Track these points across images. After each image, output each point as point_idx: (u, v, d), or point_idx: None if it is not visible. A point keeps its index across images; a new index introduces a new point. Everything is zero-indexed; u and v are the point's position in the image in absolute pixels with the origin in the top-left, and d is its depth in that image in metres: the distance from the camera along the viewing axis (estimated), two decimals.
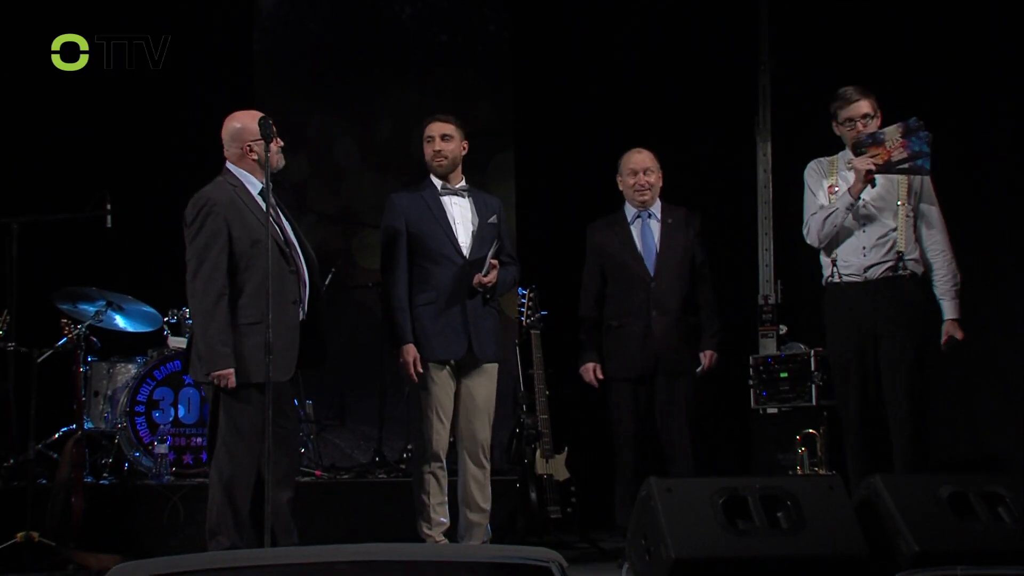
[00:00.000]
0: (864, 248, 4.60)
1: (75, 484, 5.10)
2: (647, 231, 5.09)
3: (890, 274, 4.57)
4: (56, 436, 5.68)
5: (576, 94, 7.00)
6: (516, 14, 7.24)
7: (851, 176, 4.60)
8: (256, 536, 4.19)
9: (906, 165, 4.51)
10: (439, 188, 4.78)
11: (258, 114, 4.34)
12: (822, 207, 4.67)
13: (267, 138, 4.18)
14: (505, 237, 4.88)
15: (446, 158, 4.76)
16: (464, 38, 7.28)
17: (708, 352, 5.03)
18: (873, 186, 4.53)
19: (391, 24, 7.26)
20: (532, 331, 5.38)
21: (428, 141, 4.78)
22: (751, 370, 5.97)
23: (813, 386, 5.62)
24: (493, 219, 4.82)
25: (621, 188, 5.16)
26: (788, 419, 5.71)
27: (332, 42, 7.22)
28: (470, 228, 4.75)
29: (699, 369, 5.02)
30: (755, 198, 6.79)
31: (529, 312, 5.42)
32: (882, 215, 4.61)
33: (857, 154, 4.56)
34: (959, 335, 4.60)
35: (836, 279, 4.66)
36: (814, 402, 5.61)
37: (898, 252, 4.57)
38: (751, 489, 3.61)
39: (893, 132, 4.51)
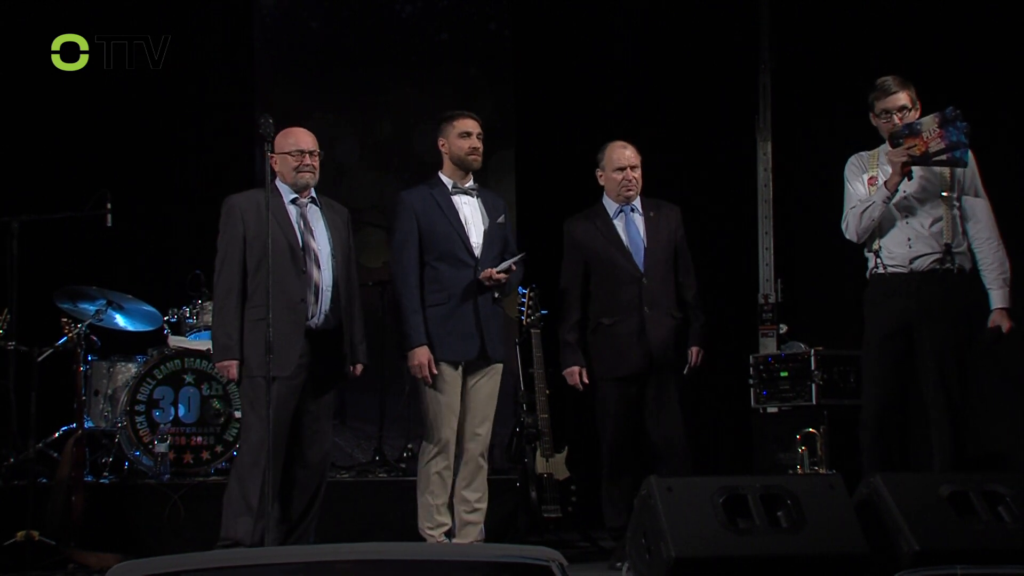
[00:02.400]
0: (909, 239, 4.47)
1: (75, 483, 5.10)
2: (631, 226, 5.01)
3: (937, 267, 4.44)
4: (56, 435, 5.68)
5: (577, 92, 7.01)
6: (517, 12, 7.24)
7: (891, 169, 4.48)
8: (289, 525, 4.43)
9: (943, 156, 4.37)
10: (450, 187, 4.73)
11: (289, 132, 4.53)
12: (860, 201, 4.54)
13: (267, 137, 4.26)
14: (510, 237, 4.87)
15: (481, 155, 4.74)
16: (465, 36, 7.28)
17: (695, 349, 4.99)
18: (910, 179, 4.41)
19: (392, 22, 7.26)
20: (532, 330, 5.37)
21: (464, 136, 4.70)
22: (751, 369, 5.97)
23: (813, 385, 5.62)
24: (501, 219, 4.80)
25: (602, 182, 5.07)
26: (788, 418, 5.71)
27: (333, 41, 7.22)
28: (481, 228, 4.71)
29: (686, 368, 4.98)
30: (755, 197, 6.79)
31: (529, 311, 5.41)
32: (926, 206, 4.48)
33: (894, 146, 4.43)
34: (1006, 325, 4.45)
35: (881, 270, 4.53)
36: (814, 401, 5.61)
37: (945, 244, 4.44)
38: (751, 488, 3.61)
39: (930, 122, 4.38)
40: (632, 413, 4.94)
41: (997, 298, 4.47)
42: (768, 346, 6.40)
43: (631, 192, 5.01)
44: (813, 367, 5.65)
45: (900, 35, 5.94)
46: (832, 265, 4.78)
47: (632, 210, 5.04)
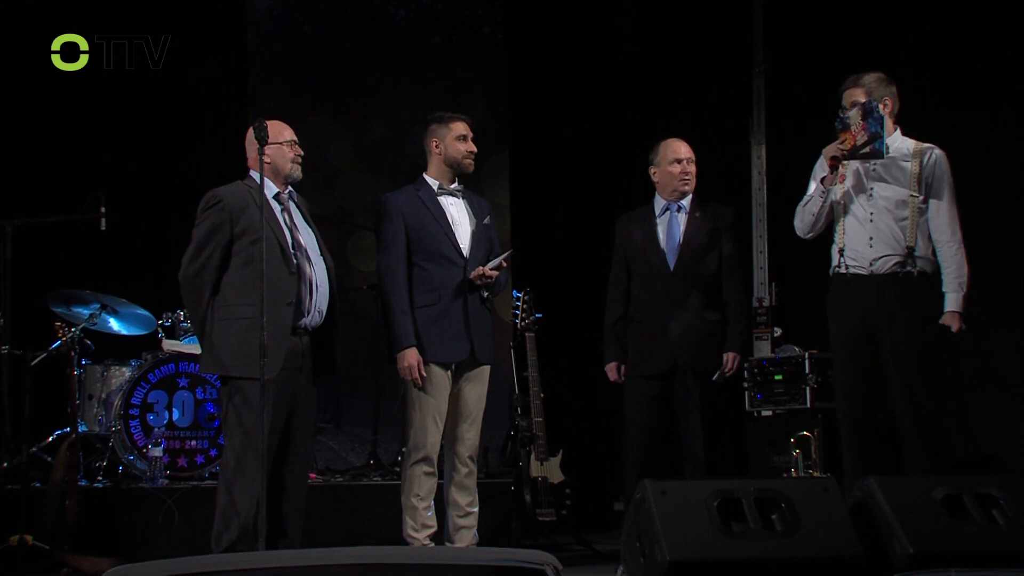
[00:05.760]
0: (871, 239, 4.48)
1: (69, 487, 5.09)
2: (673, 224, 4.94)
3: (898, 269, 4.44)
4: (50, 439, 5.68)
5: (571, 96, 7.01)
6: (511, 15, 7.24)
7: (853, 166, 4.51)
8: (270, 536, 4.24)
9: (867, 149, 4.36)
10: (435, 188, 4.72)
11: (283, 125, 4.43)
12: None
13: (261, 141, 4.21)
14: (494, 238, 4.85)
15: (474, 158, 4.74)
16: (458, 39, 7.28)
17: (731, 354, 4.87)
18: (835, 171, 4.44)
19: (385, 25, 7.26)
20: (527, 334, 5.38)
21: (461, 139, 4.70)
22: (746, 372, 5.96)
23: (808, 388, 5.62)
24: (487, 220, 4.78)
25: (657, 178, 4.97)
26: (783, 421, 5.72)
27: (326, 43, 7.22)
28: (468, 229, 4.70)
29: (718, 374, 4.85)
30: (750, 200, 6.79)
31: (524, 315, 5.42)
32: (892, 206, 4.47)
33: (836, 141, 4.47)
34: (955, 327, 4.43)
35: (843, 270, 4.55)
36: (809, 404, 5.61)
37: (907, 247, 4.44)
38: (746, 491, 3.61)
39: (855, 116, 4.38)
40: (661, 411, 4.86)
41: (951, 301, 4.46)
42: (762, 349, 6.41)
43: (687, 186, 4.94)
44: (807, 370, 5.65)
45: (895, 37, 5.95)
46: (826, 268, 4.77)
47: (679, 209, 4.97)
